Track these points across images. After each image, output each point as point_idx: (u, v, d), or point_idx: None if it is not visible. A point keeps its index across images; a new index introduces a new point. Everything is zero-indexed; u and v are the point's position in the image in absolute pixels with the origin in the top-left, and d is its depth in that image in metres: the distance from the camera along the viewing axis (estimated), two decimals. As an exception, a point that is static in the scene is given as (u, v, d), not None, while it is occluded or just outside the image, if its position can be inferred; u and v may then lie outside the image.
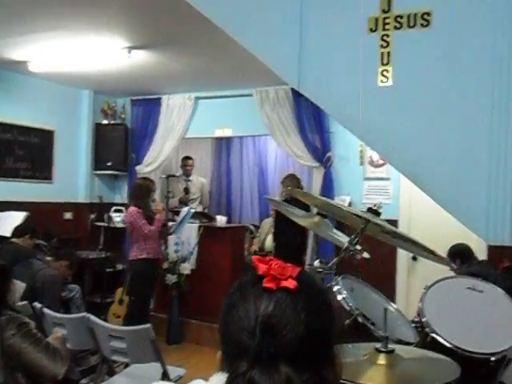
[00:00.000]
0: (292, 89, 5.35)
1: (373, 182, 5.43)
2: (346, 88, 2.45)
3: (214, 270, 5.56)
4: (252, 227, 6.51)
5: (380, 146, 2.58)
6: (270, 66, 2.64)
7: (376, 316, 2.00)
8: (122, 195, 6.92)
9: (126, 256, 5.98)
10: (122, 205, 6.66)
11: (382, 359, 1.54)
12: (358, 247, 2.11)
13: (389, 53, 2.31)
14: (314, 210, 3.83)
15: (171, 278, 5.61)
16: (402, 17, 2.28)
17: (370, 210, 2.12)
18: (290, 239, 5.02)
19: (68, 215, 6.36)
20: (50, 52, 4.89)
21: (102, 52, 4.75)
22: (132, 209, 4.93)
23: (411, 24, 2.26)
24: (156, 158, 6.46)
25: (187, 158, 6.75)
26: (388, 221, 2.64)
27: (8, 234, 4.65)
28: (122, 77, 5.67)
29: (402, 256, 5.18)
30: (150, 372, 3.01)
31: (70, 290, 4.77)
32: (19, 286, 3.28)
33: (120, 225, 6.28)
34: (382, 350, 1.57)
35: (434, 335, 1.90)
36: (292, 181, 5.46)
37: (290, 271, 0.83)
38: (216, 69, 5.28)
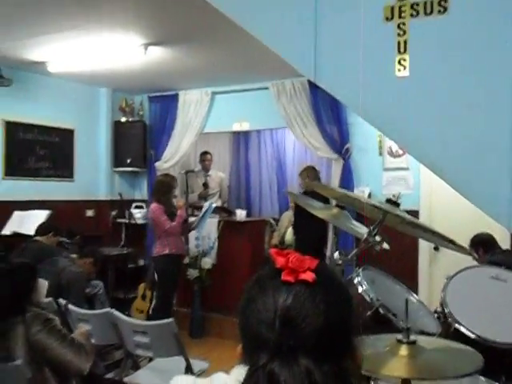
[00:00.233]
0: (308, 80, 5.32)
1: (392, 172, 5.38)
2: (362, 78, 2.42)
3: (235, 264, 5.58)
4: (272, 221, 6.50)
5: (399, 136, 2.55)
6: (286, 58, 2.62)
7: (397, 307, 1.99)
8: (141, 192, 6.98)
9: (147, 252, 6.04)
10: (142, 201, 6.72)
11: (403, 350, 1.54)
12: (378, 238, 2.10)
13: (405, 41, 2.28)
14: (334, 203, 3.81)
15: (193, 273, 5.65)
16: (418, 4, 2.24)
17: (388, 200, 2.11)
18: (310, 232, 5.01)
19: (90, 213, 6.44)
20: (67, 52, 4.94)
21: (118, 50, 4.78)
22: (154, 205, 4.98)
23: (428, 11, 2.22)
24: (174, 154, 6.49)
25: (205, 153, 6.76)
26: (409, 211, 2.62)
27: (32, 232, 4.73)
28: (139, 74, 5.70)
29: (424, 247, 5.13)
30: (174, 366, 3.04)
31: (94, 286, 4.84)
32: (43, 284, 3.33)
33: (141, 221, 6.34)
34: (404, 341, 1.56)
35: (456, 325, 1.89)
36: (309, 173, 5.43)
37: (308, 264, 0.84)
38: (232, 63, 5.28)
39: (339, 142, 5.52)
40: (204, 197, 6.50)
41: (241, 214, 5.80)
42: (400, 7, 2.27)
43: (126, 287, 5.84)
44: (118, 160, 6.69)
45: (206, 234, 5.75)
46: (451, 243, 2.01)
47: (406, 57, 2.29)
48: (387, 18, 2.34)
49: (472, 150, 2.40)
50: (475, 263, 3.61)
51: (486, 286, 2.12)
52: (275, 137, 7.89)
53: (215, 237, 5.74)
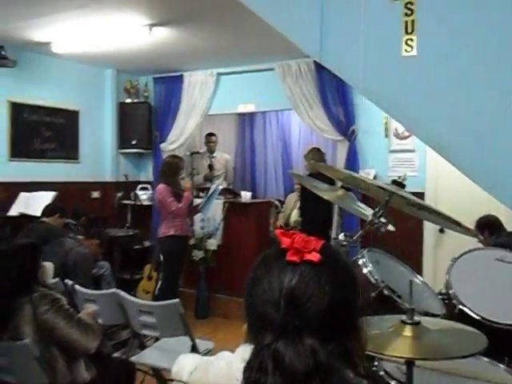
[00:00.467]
0: (314, 61, 5.28)
1: (398, 154, 5.35)
2: (369, 59, 2.40)
3: (240, 245, 5.61)
4: (277, 202, 6.51)
5: (405, 117, 2.53)
6: (292, 39, 2.60)
7: (402, 288, 2.00)
8: (147, 173, 6.99)
9: (152, 233, 6.07)
10: (147, 183, 6.73)
11: (407, 331, 1.55)
12: (383, 220, 2.10)
13: (413, 21, 2.25)
14: (339, 184, 3.81)
15: (198, 254, 5.69)
16: (426, -17, 2.21)
17: (394, 182, 2.10)
18: (315, 213, 5.01)
19: (95, 194, 6.46)
20: (72, 33, 4.91)
21: (123, 30, 4.74)
22: (161, 186, 4.98)
23: (436, -10, 2.19)
24: (180, 136, 6.48)
25: (211, 134, 6.75)
26: (414, 193, 2.61)
27: (38, 213, 4.76)
28: (144, 55, 5.67)
29: (429, 228, 5.12)
30: (180, 345, 3.07)
31: (100, 267, 4.88)
32: (49, 266, 3.36)
33: (146, 202, 6.36)
34: (408, 321, 1.57)
35: (461, 307, 1.89)
36: (314, 154, 5.41)
37: (313, 244, 0.84)
38: (237, 44, 5.23)
39: (345, 123, 5.49)
40: (209, 178, 6.51)
41: (246, 196, 5.81)
42: (408, -14, 2.24)
43: (131, 268, 5.88)
44: (123, 141, 6.68)
45: (212, 215, 5.77)
46: (457, 225, 2.01)
47: (414, 37, 2.27)
48: (395, -2, 2.30)
49: (478, 131, 2.38)
50: (480, 245, 3.61)
51: (491, 267, 2.12)
52: (281, 118, 7.86)
53: (220, 218, 5.75)
